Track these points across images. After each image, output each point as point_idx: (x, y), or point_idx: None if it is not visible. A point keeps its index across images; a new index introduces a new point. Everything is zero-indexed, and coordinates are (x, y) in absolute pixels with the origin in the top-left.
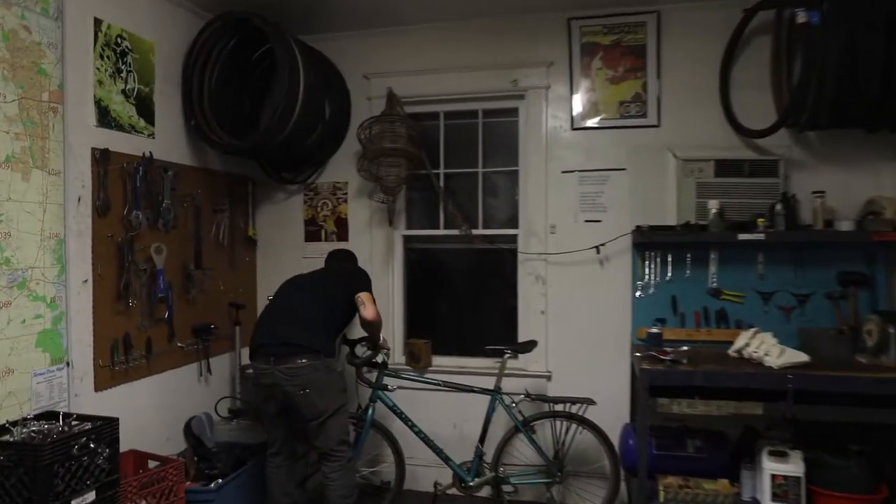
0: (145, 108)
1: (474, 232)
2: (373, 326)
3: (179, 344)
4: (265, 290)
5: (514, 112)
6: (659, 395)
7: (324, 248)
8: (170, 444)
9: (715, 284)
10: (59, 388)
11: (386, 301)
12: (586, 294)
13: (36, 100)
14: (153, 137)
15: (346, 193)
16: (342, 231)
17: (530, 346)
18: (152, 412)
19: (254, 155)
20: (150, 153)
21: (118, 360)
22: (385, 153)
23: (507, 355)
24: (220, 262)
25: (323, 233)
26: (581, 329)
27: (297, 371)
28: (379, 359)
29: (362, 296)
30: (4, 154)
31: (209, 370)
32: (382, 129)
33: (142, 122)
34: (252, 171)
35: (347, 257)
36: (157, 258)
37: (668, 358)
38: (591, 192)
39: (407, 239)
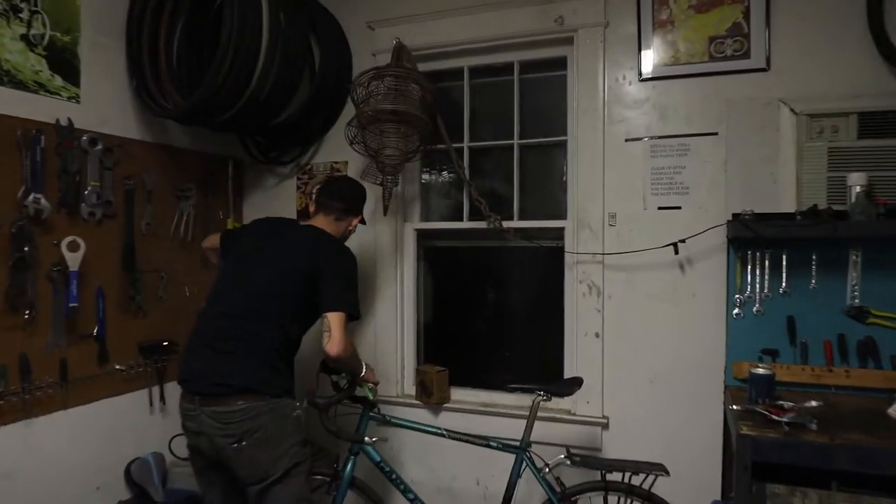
0: (65, 63)
1: (507, 225)
2: (339, 362)
3: (118, 366)
4: None
5: (559, 63)
6: (770, 480)
7: None
8: (102, 497)
9: (857, 301)
10: None
11: (391, 315)
12: (659, 310)
13: None
14: (76, 101)
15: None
16: None
17: (572, 386)
18: (73, 455)
19: (205, 121)
20: (69, 120)
21: (9, 389)
22: (384, 117)
23: (539, 398)
24: (184, 261)
25: None
26: (651, 360)
27: (231, 417)
28: (362, 393)
29: (330, 316)
30: None
31: (162, 399)
32: (384, 85)
33: (57, 81)
34: (235, 150)
35: (342, 195)
36: (69, 256)
37: (785, 418)
38: (666, 168)
39: (421, 234)
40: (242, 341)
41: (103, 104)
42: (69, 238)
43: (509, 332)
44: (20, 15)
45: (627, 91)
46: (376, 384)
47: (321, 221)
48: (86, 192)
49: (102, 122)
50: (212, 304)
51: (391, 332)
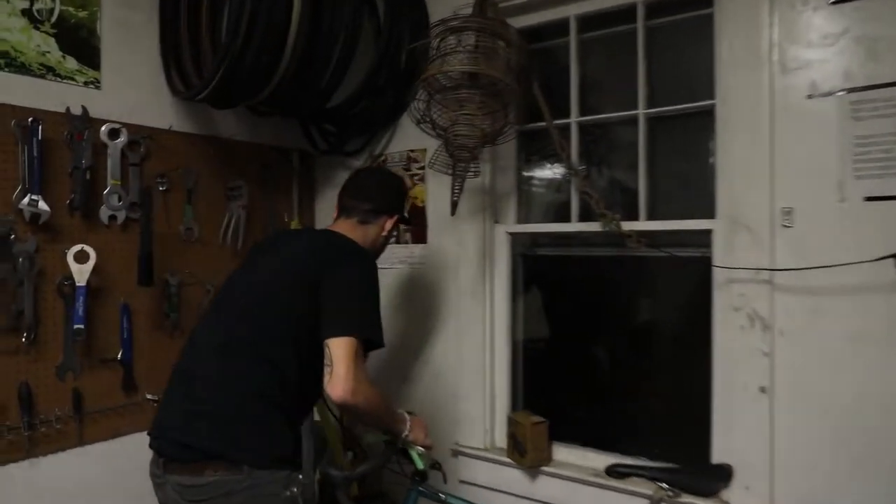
0: (80, 42)
1: (628, 227)
2: (351, 411)
3: (149, 396)
4: None
5: (699, 1)
6: None
7: (396, 254)
8: None
9: None
10: None
11: (477, 342)
12: (868, 357)
13: None
14: (96, 87)
15: (423, 168)
16: (419, 226)
17: (714, 480)
18: (91, 500)
19: (239, 102)
20: (83, 109)
21: (6, 425)
22: (459, 84)
23: (664, 490)
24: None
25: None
26: (852, 434)
27: (198, 493)
28: (413, 458)
29: (332, 344)
30: None
31: None
32: (462, 44)
33: (70, 64)
34: (303, 141)
35: (366, 191)
36: (76, 269)
37: None
38: (879, 136)
39: (517, 240)
40: (217, 387)
41: (131, 89)
42: (76, 247)
43: (633, 374)
44: None
45: (810, 21)
46: (428, 448)
47: (341, 227)
48: (105, 193)
49: (129, 110)
50: (190, 337)
51: (476, 366)
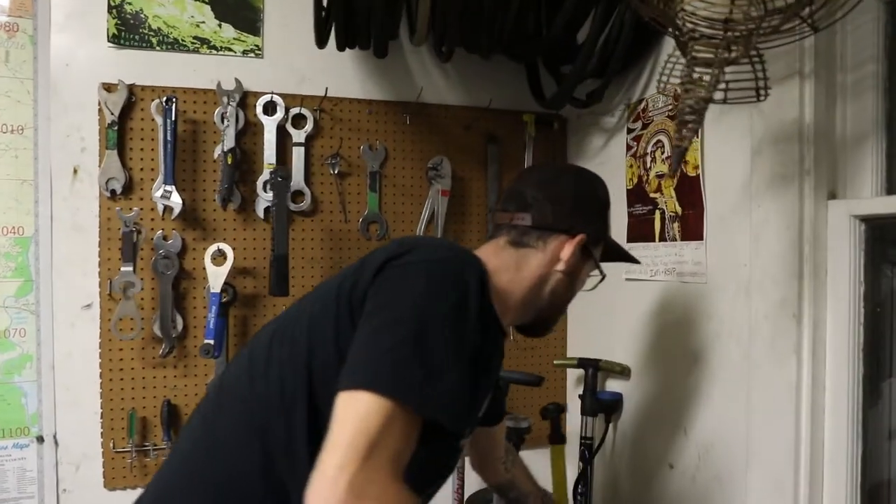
0: (238, 6)
1: None
2: None
3: None
4: (577, 346)
5: None
6: None
7: (655, 259)
8: None
9: None
10: (19, 476)
11: (779, 424)
12: None
13: None
14: (257, 55)
15: (696, 111)
16: (691, 210)
17: None
18: None
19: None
20: (237, 82)
21: (151, 443)
22: None
23: None
24: None
25: (658, 217)
26: None
27: None
28: None
29: (339, 402)
30: None
31: None
32: None
33: (227, 33)
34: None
35: (531, 192)
36: (211, 272)
37: None
38: None
39: (874, 231)
40: (188, 462)
41: (298, 55)
42: (214, 247)
43: None
44: None
45: None
46: None
47: (485, 252)
48: (259, 181)
49: (298, 78)
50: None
51: (778, 467)
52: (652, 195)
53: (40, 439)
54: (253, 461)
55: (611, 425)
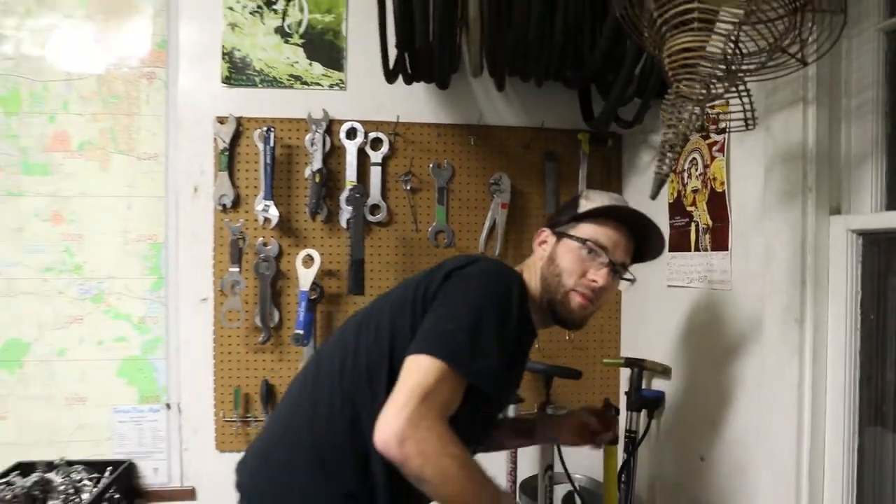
0: (325, 47)
1: None
2: (406, 472)
3: None
4: (627, 347)
5: None
6: None
7: (690, 267)
8: None
9: None
10: (153, 434)
11: (786, 418)
12: None
13: (122, 68)
14: (341, 88)
15: (724, 130)
16: (719, 223)
17: None
18: None
19: (507, 71)
20: (324, 112)
21: (252, 414)
22: None
23: None
24: None
25: (693, 228)
26: None
27: None
28: None
29: (408, 362)
30: (77, 142)
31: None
32: None
33: (316, 69)
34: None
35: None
36: (301, 273)
37: None
38: None
39: (871, 242)
40: (289, 421)
41: (375, 86)
42: (304, 252)
43: None
44: (274, 7)
45: None
46: None
47: (523, 266)
48: (342, 196)
49: (376, 107)
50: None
51: (783, 455)
52: (688, 208)
53: (168, 406)
54: (344, 418)
55: (653, 421)
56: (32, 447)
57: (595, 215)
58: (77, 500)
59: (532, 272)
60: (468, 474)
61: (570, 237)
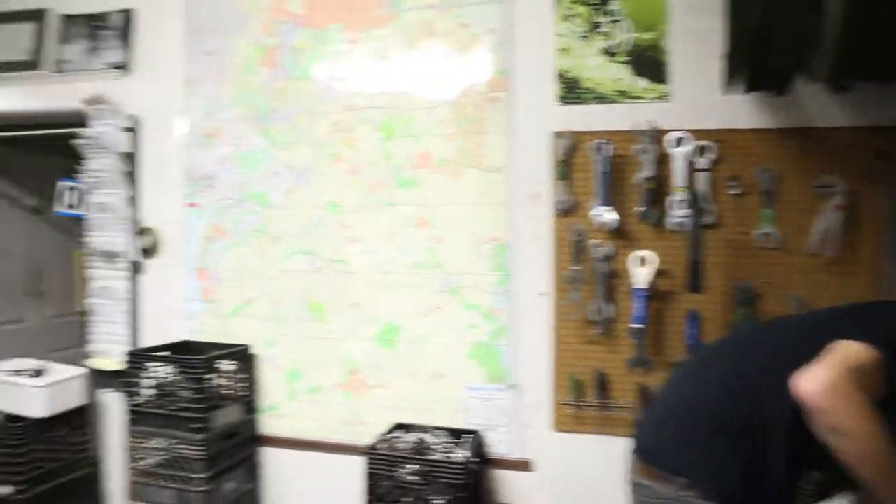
0: (648, 62)
1: None
2: (822, 423)
3: None
4: None
5: None
6: None
7: None
8: None
9: None
10: (498, 410)
11: None
12: None
13: (471, 95)
14: (664, 100)
15: None
16: None
17: None
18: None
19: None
20: (649, 123)
21: (583, 401)
22: None
23: None
24: (822, 284)
25: None
26: None
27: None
28: None
29: (834, 345)
30: (437, 159)
31: None
32: None
33: (640, 84)
34: None
35: None
36: (635, 273)
37: None
38: None
39: None
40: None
41: (699, 96)
42: (637, 253)
43: None
44: (599, 29)
45: None
46: None
47: None
48: (669, 200)
49: (700, 116)
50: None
51: None
52: None
53: (512, 387)
54: (745, 394)
55: None
56: (405, 411)
57: None
58: (449, 455)
59: None
60: (887, 443)
61: None
